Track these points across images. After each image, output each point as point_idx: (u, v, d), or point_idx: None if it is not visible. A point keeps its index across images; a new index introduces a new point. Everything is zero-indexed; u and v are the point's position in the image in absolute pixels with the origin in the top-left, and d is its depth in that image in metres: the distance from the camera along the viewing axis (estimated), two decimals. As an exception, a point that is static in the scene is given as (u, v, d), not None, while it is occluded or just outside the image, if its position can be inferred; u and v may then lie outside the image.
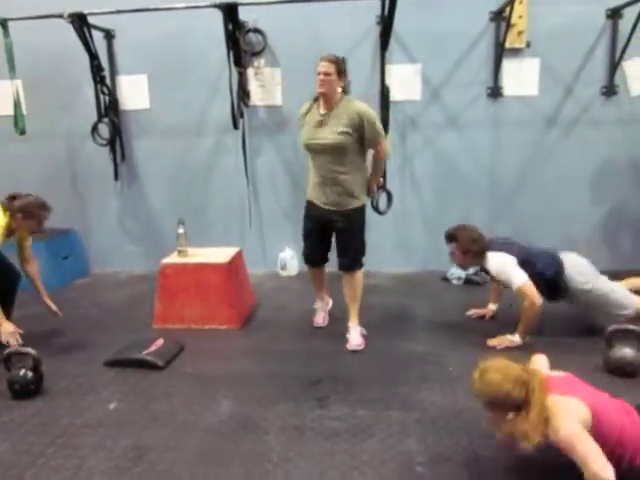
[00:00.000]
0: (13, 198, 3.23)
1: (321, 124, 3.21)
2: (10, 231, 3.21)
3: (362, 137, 3.18)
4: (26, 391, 2.80)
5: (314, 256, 3.56)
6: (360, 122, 3.13)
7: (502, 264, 3.27)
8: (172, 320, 3.75)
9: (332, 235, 3.44)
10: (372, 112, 3.23)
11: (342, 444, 2.35)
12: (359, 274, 3.42)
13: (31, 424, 2.57)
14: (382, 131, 3.30)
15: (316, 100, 3.29)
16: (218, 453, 2.32)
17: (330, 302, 3.89)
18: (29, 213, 3.19)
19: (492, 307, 3.75)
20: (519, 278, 3.19)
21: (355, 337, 3.37)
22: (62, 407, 2.72)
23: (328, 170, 3.25)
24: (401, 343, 3.38)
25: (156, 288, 3.83)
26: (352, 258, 3.37)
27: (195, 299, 3.74)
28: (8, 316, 3.29)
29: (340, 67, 3.15)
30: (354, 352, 3.28)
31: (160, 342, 3.32)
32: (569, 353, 3.11)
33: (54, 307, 3.55)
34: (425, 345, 3.36)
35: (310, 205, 3.45)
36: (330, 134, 3.16)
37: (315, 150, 3.27)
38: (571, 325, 3.54)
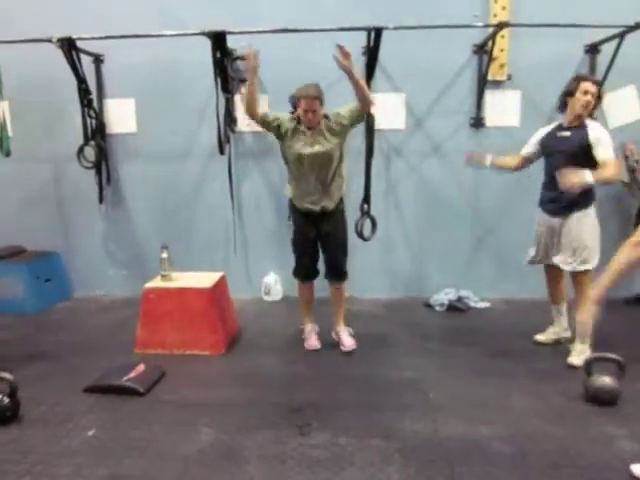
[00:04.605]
0: None
1: (310, 141, 3.45)
2: None
3: (344, 136, 3.52)
4: (2, 418, 2.75)
5: (309, 270, 3.75)
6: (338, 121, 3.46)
7: (607, 133, 3.38)
8: (154, 345, 3.73)
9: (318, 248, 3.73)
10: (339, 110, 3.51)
11: (323, 473, 2.33)
12: (345, 284, 3.80)
13: (6, 452, 2.52)
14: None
15: (298, 122, 3.47)
16: (197, 482, 2.28)
17: (317, 327, 3.95)
18: None
19: (489, 157, 3.83)
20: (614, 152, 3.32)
21: (348, 339, 3.74)
22: (39, 435, 2.67)
23: (316, 179, 3.51)
24: (383, 370, 3.38)
25: (139, 313, 3.81)
26: (340, 267, 3.71)
27: (178, 324, 3.72)
28: None
29: (322, 98, 3.44)
30: (340, 373, 3.31)
31: (141, 368, 3.29)
32: (548, 381, 3.14)
33: None
34: (407, 372, 3.36)
35: (299, 213, 3.65)
36: (320, 147, 3.44)
37: (306, 161, 3.48)
38: (551, 353, 3.58)
